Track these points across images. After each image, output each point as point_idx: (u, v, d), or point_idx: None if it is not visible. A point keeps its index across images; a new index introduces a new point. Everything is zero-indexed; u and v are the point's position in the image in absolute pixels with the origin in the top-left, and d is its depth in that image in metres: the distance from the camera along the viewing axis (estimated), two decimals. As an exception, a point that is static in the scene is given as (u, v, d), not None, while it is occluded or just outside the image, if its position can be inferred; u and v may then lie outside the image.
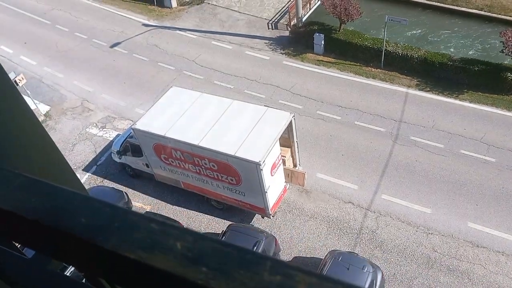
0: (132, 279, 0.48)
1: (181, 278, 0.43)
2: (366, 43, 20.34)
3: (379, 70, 20.19)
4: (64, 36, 24.64)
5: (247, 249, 0.45)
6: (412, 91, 18.98)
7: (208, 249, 0.45)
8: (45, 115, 20.05)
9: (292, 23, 23.12)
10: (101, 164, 17.74)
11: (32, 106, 19.83)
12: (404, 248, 13.82)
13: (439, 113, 17.79)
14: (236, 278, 0.42)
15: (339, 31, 21.17)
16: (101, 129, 19.21)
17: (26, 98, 20.26)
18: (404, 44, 20.23)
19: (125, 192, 15.90)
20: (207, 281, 0.42)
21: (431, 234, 14.06)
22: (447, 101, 18.36)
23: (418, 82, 19.36)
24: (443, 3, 23.81)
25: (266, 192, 13.24)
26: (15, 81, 18.25)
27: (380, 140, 16.97)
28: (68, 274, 0.89)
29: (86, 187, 16.66)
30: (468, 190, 15.00)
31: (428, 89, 19.01)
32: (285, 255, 14.00)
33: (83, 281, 0.92)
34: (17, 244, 1.05)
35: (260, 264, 0.43)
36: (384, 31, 19.33)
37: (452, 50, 21.28)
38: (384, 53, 19.74)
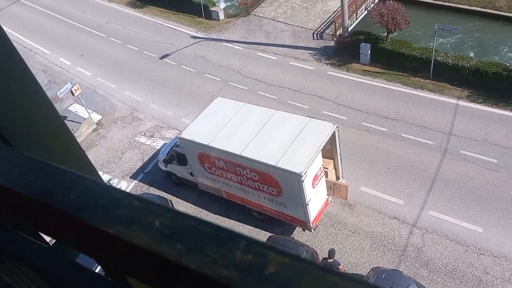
0: (114, 256, 0.49)
1: (155, 254, 0.43)
2: (414, 52, 19.79)
3: (427, 80, 19.54)
4: (117, 48, 25.84)
5: (223, 227, 0.45)
6: (462, 103, 18.18)
7: (185, 226, 0.45)
8: (97, 123, 21.02)
9: (337, 33, 22.96)
10: (148, 172, 18.29)
11: (85, 115, 20.89)
12: (453, 269, 13.13)
13: (492, 126, 16.90)
14: (208, 255, 0.41)
15: (386, 40, 20.76)
16: (149, 138, 19.85)
17: (80, 107, 21.37)
18: (454, 54, 19.49)
19: (170, 200, 16.29)
20: (179, 258, 0.42)
21: (483, 254, 13.28)
22: (501, 113, 17.41)
23: (469, 93, 18.53)
24: (498, 11, 22.77)
25: (308, 204, 13.09)
26: (71, 91, 19.33)
27: (428, 154, 16.35)
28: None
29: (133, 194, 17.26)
30: (525, 208, 14.07)
31: (481, 100, 18.13)
32: (326, 269, 13.70)
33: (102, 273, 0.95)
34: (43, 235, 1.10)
35: (234, 242, 0.42)
36: (434, 40, 18.73)
37: (507, 59, 20.23)
38: (433, 63, 19.10)
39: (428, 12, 23.84)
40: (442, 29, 18.29)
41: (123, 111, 21.59)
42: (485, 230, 13.79)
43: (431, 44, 19.16)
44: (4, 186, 0.52)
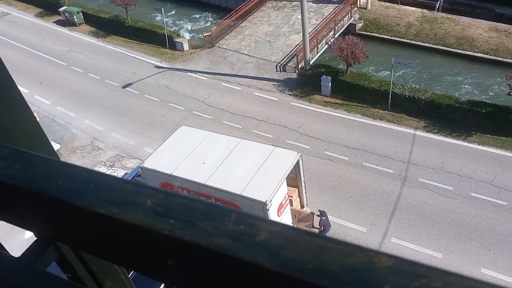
0: (105, 238, 0.49)
1: (148, 230, 0.44)
2: (373, 85, 20.65)
3: (386, 111, 20.35)
4: (78, 76, 25.41)
5: (215, 204, 0.47)
6: (420, 133, 19.00)
7: (177, 204, 0.46)
8: (55, 153, 20.31)
9: (299, 66, 23.66)
10: (108, 203, 17.71)
11: (43, 144, 20.16)
12: (416, 294, 13.32)
13: (447, 155, 17.70)
14: (201, 227, 0.43)
15: (346, 73, 21.58)
16: (109, 168, 19.33)
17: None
18: (411, 86, 20.51)
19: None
20: (173, 231, 0.43)
21: (443, 279, 13.59)
22: (456, 143, 18.31)
23: (425, 124, 19.42)
24: (449, 47, 24.34)
25: (273, 232, 13.03)
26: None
27: (389, 182, 16.83)
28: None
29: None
30: (480, 234, 14.63)
31: (436, 130, 19.03)
32: (292, 299, 13.56)
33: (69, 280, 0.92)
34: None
35: (225, 216, 0.44)
36: (391, 73, 19.67)
37: (459, 92, 21.51)
38: (391, 95, 19.98)
39: (386, 47, 25.13)
40: (398, 63, 19.28)
41: (83, 140, 21.03)
42: (444, 255, 14.18)
43: (390, 76, 20.11)
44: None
